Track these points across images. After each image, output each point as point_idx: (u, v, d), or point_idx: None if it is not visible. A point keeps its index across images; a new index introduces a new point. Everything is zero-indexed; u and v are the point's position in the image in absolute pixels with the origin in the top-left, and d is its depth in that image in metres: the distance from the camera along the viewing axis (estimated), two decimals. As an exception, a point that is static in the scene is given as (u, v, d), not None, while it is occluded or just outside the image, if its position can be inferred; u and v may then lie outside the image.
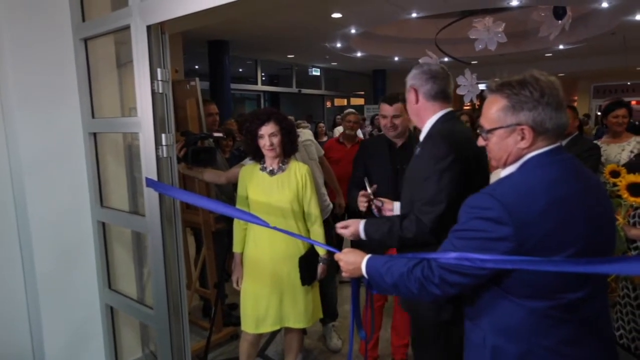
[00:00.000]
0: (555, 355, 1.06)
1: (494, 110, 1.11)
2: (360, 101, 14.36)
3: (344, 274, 1.34)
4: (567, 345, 1.06)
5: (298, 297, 2.04)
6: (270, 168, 2.05)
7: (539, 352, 1.06)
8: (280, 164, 2.05)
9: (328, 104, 13.56)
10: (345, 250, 1.35)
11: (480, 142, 1.19)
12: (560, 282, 1.03)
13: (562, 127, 1.08)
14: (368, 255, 1.28)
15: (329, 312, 2.78)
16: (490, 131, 1.12)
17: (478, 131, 1.18)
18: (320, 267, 2.08)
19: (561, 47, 9.09)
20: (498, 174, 1.19)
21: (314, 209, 2.06)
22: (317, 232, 2.07)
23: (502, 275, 1.06)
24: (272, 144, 1.97)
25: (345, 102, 14.09)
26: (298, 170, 2.05)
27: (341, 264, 1.33)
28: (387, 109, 2.23)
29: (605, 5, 6.39)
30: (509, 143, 1.10)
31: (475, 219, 1.06)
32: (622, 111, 2.97)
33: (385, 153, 2.30)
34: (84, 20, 2.01)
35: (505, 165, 1.14)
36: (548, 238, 1.01)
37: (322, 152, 3.04)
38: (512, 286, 1.06)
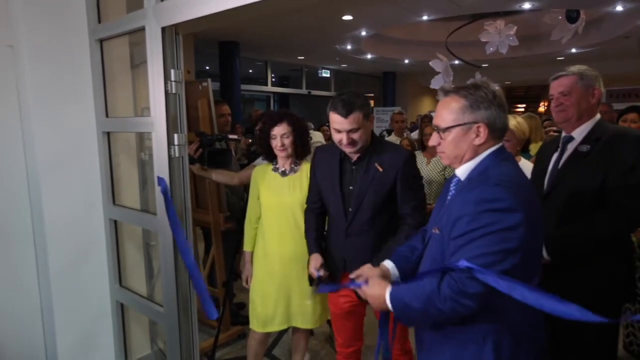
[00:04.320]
0: (534, 339, 1.17)
1: (451, 110, 1.18)
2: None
3: (373, 308, 1.26)
4: (537, 329, 1.19)
5: (306, 297, 2.05)
6: (283, 169, 2.07)
7: (526, 338, 1.16)
8: (293, 165, 2.07)
9: (337, 106, 13.60)
10: (370, 282, 1.26)
11: (433, 140, 1.24)
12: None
13: (505, 129, 1.22)
14: (390, 287, 1.20)
15: (336, 313, 2.79)
16: (447, 129, 1.19)
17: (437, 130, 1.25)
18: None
19: (574, 50, 8.99)
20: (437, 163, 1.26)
21: None
22: None
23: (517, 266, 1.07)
24: (283, 145, 1.99)
25: (354, 104, 14.09)
26: (310, 172, 2.06)
27: (367, 299, 1.26)
28: (340, 122, 1.65)
29: (619, 8, 6.31)
30: (465, 140, 1.18)
31: (484, 213, 1.05)
32: (631, 115, 2.98)
33: (335, 170, 1.78)
34: (99, 21, 2.05)
35: (461, 162, 1.21)
36: (536, 220, 1.10)
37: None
38: (521, 272, 1.07)
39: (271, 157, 2.09)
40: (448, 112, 1.19)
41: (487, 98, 1.16)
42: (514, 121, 1.98)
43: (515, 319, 1.14)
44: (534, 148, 2.99)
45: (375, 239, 1.74)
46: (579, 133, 1.67)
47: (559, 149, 1.73)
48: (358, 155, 1.75)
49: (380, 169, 1.71)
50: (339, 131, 1.67)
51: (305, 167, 2.08)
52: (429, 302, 1.08)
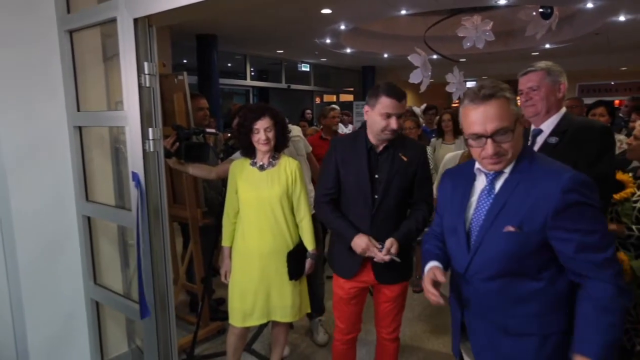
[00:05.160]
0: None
1: (509, 108, 1.17)
2: (349, 97, 14.35)
3: None
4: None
5: (285, 291, 2.05)
6: (261, 163, 2.06)
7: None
8: (271, 159, 2.06)
9: (317, 100, 13.53)
10: None
11: (505, 148, 1.18)
12: None
13: None
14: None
15: (316, 306, 2.80)
16: (514, 128, 1.17)
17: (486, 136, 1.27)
18: (308, 263, 2.10)
19: (547, 46, 9.20)
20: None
21: (303, 204, 2.07)
22: (306, 227, 2.08)
23: None
24: (267, 138, 1.98)
25: (334, 98, 14.08)
26: (288, 166, 2.06)
27: None
28: (396, 106, 1.76)
29: (590, 5, 6.48)
30: (520, 136, 1.20)
31: (589, 197, 1.11)
32: (599, 109, 3.11)
33: (362, 159, 1.85)
34: (69, 11, 1.99)
35: (513, 157, 1.21)
36: None
37: (310, 148, 3.04)
38: None
39: (250, 152, 2.08)
40: (507, 111, 1.16)
41: (514, 94, 1.19)
42: None
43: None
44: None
45: (397, 225, 1.85)
46: (547, 126, 1.73)
47: (529, 142, 1.78)
48: (384, 145, 1.85)
49: (405, 159, 1.85)
50: (389, 116, 1.77)
51: (284, 161, 2.07)
52: (620, 312, 1.10)
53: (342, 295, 1.95)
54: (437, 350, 2.70)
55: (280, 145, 2.06)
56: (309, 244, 2.08)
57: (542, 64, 1.73)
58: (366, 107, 1.84)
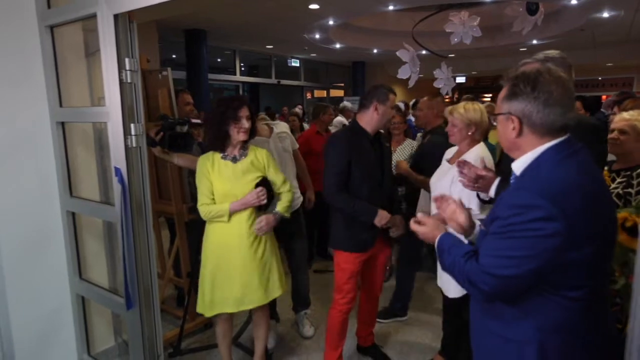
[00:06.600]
0: (588, 343, 1.12)
1: (500, 98, 1.18)
2: (339, 93, 14.36)
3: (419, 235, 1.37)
4: (594, 332, 1.13)
5: (250, 278, 2.04)
6: (233, 155, 2.08)
7: (577, 341, 1.11)
8: (242, 150, 2.10)
9: (308, 96, 13.52)
10: (433, 221, 1.33)
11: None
12: (590, 271, 1.08)
13: (551, 124, 1.09)
14: (443, 233, 1.29)
15: (301, 300, 2.84)
16: (494, 116, 1.20)
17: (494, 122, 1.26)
18: (266, 217, 2.05)
19: (535, 42, 9.28)
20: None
21: (279, 178, 2.16)
22: (286, 197, 2.17)
23: (553, 272, 1.05)
24: (248, 127, 2.04)
25: (324, 93, 14.09)
26: (258, 153, 2.13)
27: (420, 229, 1.33)
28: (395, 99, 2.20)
29: (574, 1, 6.57)
30: (506, 130, 1.15)
31: (521, 220, 1.03)
32: (576, 104, 3.18)
33: (370, 151, 2.16)
34: (49, 6, 1.98)
35: (512, 152, 1.19)
36: (586, 230, 1.03)
37: (297, 145, 3.07)
38: (558, 280, 1.07)
39: (219, 145, 2.06)
40: (499, 100, 1.18)
41: (523, 90, 1.09)
42: (461, 109, 2.08)
43: (566, 320, 1.10)
44: (491, 135, 3.12)
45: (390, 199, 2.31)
46: None
47: None
48: (375, 136, 2.20)
49: (388, 145, 2.33)
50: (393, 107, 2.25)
51: (253, 150, 2.12)
52: (453, 265, 1.19)
53: (353, 269, 2.20)
54: (420, 342, 2.75)
55: (251, 136, 2.12)
56: (283, 210, 2.13)
57: (549, 53, 1.64)
58: (375, 104, 2.13)
